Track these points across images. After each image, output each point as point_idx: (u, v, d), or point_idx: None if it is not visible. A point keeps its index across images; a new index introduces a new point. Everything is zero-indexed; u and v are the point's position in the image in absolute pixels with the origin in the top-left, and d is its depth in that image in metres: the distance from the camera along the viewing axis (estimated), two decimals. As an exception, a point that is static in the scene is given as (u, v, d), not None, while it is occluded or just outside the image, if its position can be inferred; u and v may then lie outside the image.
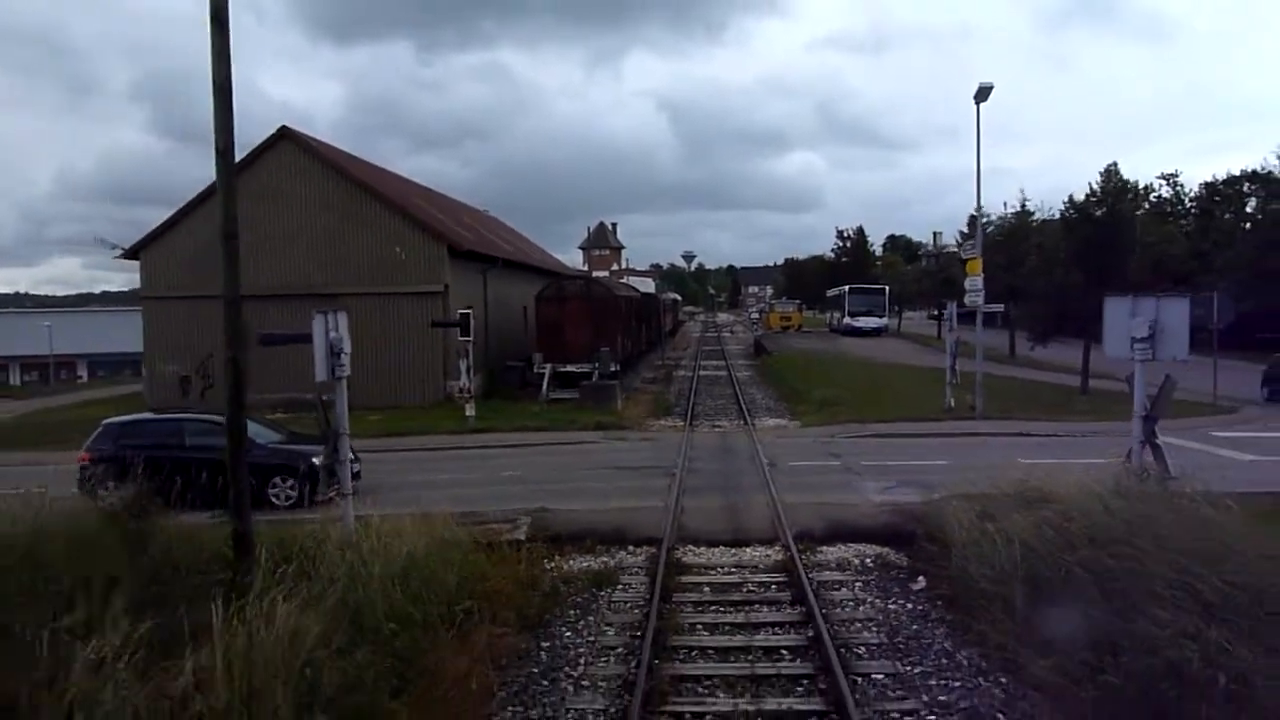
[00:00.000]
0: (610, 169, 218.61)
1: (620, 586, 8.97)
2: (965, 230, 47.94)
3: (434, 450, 17.79)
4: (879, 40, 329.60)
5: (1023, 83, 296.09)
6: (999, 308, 26.13)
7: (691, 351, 48.50)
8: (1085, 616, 6.56)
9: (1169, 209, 61.17)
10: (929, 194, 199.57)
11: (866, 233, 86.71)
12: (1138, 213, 52.70)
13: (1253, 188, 50.67)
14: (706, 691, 6.54)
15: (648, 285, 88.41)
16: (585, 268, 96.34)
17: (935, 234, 75.52)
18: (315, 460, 12.06)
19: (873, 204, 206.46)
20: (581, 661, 7.16)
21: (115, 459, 11.23)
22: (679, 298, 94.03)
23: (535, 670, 7.00)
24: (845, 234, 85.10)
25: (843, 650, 7.12)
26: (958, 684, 6.66)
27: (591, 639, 7.62)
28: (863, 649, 7.32)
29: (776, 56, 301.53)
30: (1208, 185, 54.91)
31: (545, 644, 7.55)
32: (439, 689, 6.19)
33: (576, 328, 27.99)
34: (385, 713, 5.60)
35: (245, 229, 7.89)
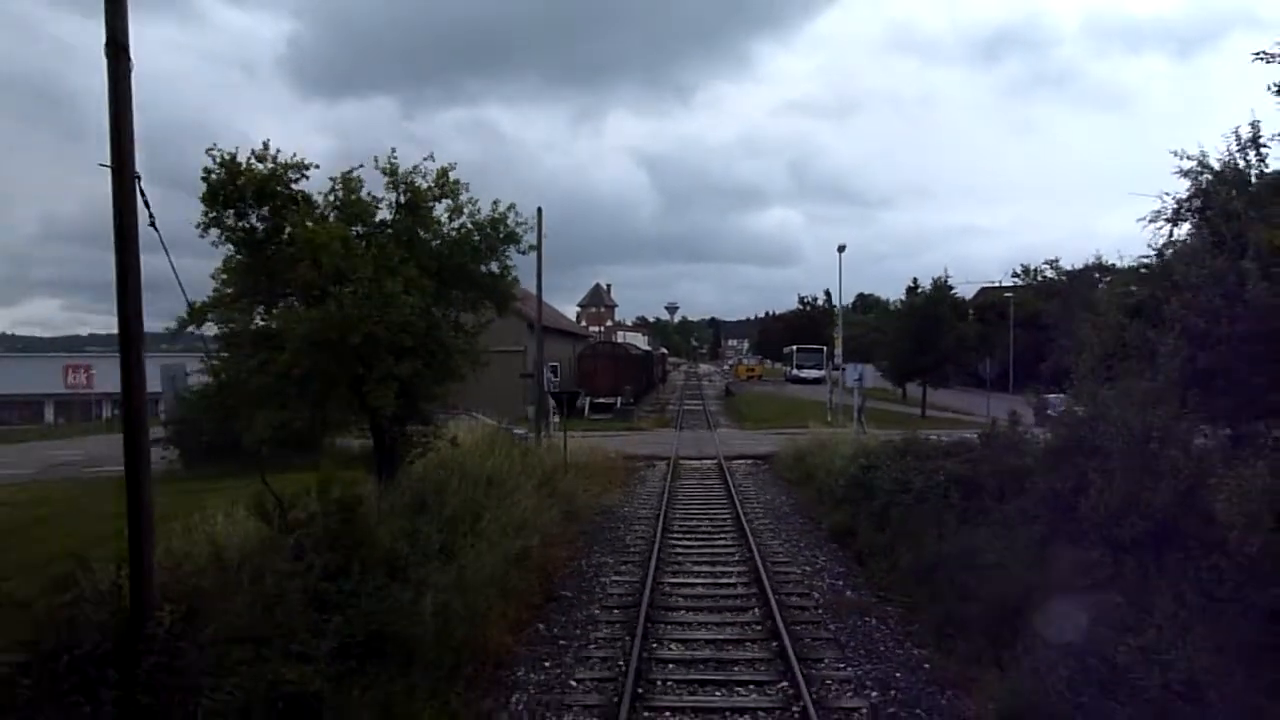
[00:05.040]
0: (593, 222, 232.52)
1: (657, 468, 24.49)
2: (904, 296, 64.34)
3: (543, 438, 33.16)
4: (844, 106, 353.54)
5: (989, 146, 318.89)
6: (850, 364, 41.80)
7: (678, 395, 64.22)
8: (805, 462, 22.19)
9: (1050, 287, 78.13)
10: (906, 249, 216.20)
11: (836, 292, 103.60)
12: (1021, 294, 68.94)
13: (1099, 276, 67.62)
14: (691, 489, 22.02)
15: (639, 340, 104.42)
16: (584, 324, 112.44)
17: (908, 289, 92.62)
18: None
19: (850, 258, 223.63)
20: (649, 479, 22.66)
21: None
22: (666, 351, 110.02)
23: (636, 481, 22.48)
24: (805, 300, 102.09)
25: (731, 479, 22.57)
26: (769, 484, 22.25)
27: (653, 477, 23.17)
28: (739, 479, 22.81)
29: (748, 118, 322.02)
30: (1066, 272, 71.95)
31: (638, 477, 23.06)
32: (610, 477, 21.69)
33: (605, 374, 43.78)
34: (603, 467, 21.08)
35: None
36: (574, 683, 8.24)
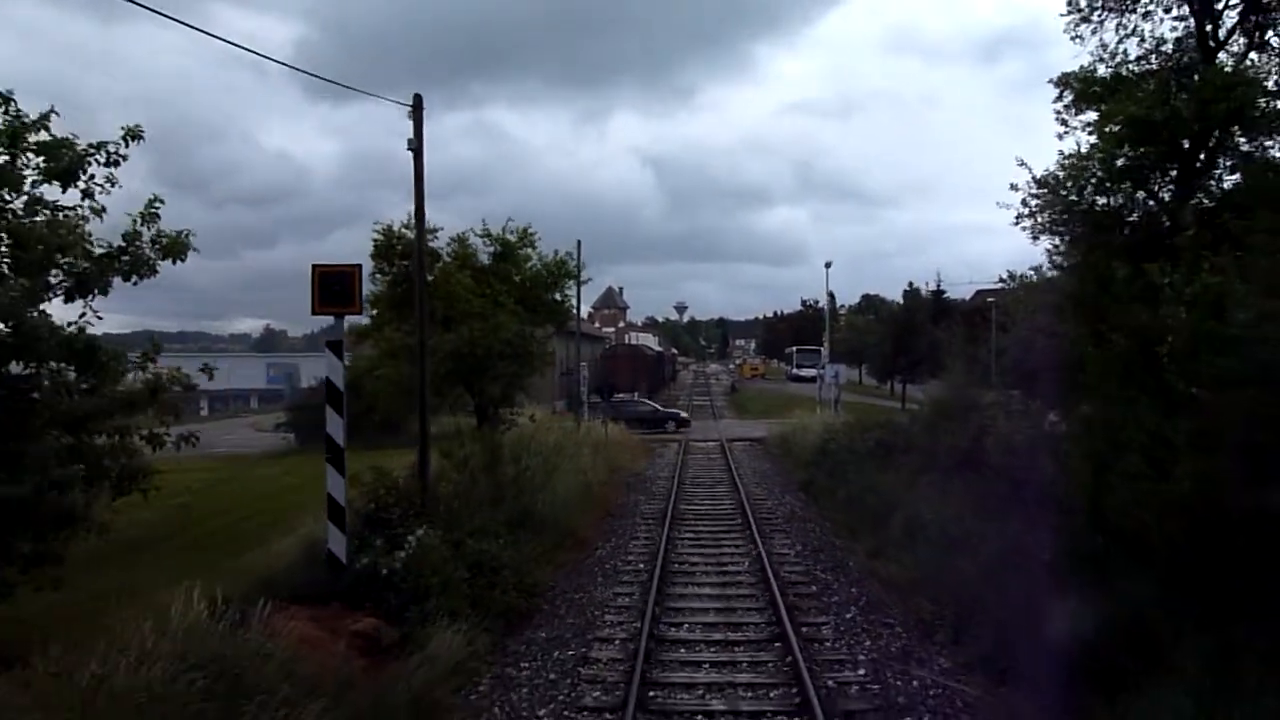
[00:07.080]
0: (600, 222, 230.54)
1: (671, 447, 30.58)
2: (901, 298, 70.79)
3: (574, 427, 39.33)
4: (847, 106, 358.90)
5: (992, 144, 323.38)
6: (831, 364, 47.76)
7: (686, 392, 70.32)
8: (788, 441, 28.28)
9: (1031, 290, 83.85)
10: (912, 247, 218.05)
11: (845, 290, 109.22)
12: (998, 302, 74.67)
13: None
14: (698, 460, 28.10)
15: (650, 341, 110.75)
16: (597, 325, 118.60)
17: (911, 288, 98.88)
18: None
19: (858, 257, 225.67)
20: (667, 455, 28.76)
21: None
22: (676, 351, 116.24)
23: (656, 455, 28.58)
24: (807, 302, 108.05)
25: (731, 456, 28.62)
26: (759, 456, 28.34)
27: (669, 453, 29.29)
28: (737, 454, 28.88)
29: (751, 119, 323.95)
30: (1046, 277, 77.74)
31: (657, 453, 29.16)
32: (635, 453, 27.82)
33: (624, 372, 49.92)
34: (630, 445, 27.24)
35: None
36: (630, 548, 14.37)
